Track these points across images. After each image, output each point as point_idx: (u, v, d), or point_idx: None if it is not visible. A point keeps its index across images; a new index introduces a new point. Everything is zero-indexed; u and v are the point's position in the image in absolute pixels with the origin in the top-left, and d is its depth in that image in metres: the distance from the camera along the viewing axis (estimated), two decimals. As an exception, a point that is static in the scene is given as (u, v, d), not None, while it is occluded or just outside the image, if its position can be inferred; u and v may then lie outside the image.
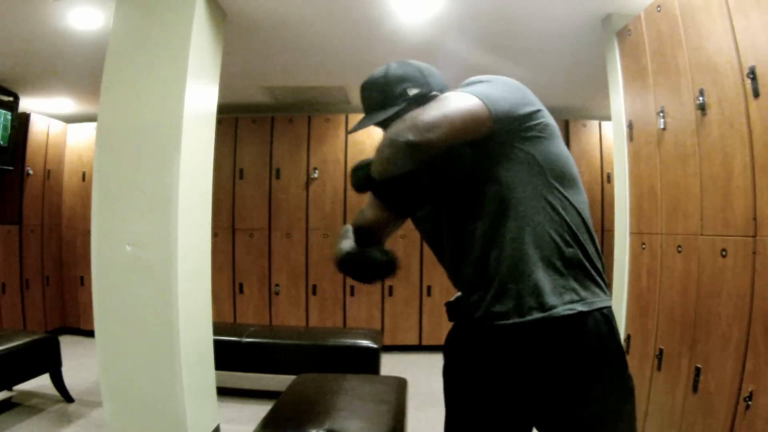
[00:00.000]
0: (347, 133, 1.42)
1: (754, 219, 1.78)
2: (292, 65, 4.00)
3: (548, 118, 1.23)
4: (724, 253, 1.93)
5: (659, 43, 2.40)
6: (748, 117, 1.82)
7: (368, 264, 1.22)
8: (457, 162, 1.23)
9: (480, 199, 1.21)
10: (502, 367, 1.20)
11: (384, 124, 1.26)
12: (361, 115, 1.35)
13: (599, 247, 1.25)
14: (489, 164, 1.19)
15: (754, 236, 1.78)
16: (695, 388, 2.04)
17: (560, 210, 1.18)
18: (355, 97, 4.78)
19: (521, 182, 1.18)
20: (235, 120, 5.00)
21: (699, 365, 2.03)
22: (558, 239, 1.16)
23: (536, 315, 1.14)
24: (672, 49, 2.27)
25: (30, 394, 3.41)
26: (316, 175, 4.93)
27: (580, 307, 1.14)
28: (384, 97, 1.26)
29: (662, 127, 2.36)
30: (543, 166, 1.18)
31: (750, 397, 1.74)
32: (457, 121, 1.11)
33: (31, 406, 3.24)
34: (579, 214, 1.20)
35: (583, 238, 1.19)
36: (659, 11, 2.37)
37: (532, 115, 1.19)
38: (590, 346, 1.15)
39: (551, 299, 1.14)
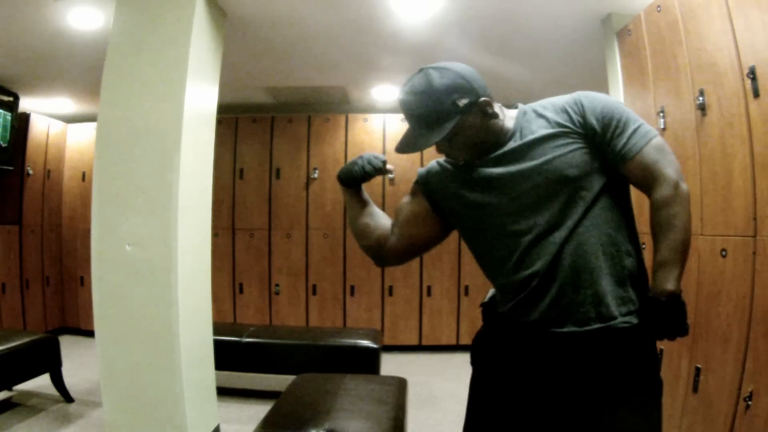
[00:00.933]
0: (396, 151, 1.36)
1: (754, 219, 1.78)
2: (292, 65, 4.00)
3: None
4: (724, 253, 1.93)
5: (659, 43, 2.40)
6: (748, 117, 1.82)
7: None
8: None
9: (553, 202, 1.18)
10: (546, 371, 1.18)
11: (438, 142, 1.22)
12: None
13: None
14: (590, 173, 1.18)
15: (754, 236, 1.78)
16: (695, 388, 2.04)
17: (623, 218, 1.17)
18: (355, 96, 4.79)
19: (602, 188, 1.17)
20: (235, 120, 5.00)
21: (699, 365, 2.03)
22: (621, 249, 1.16)
23: (595, 326, 1.14)
24: (672, 49, 2.27)
25: (30, 394, 3.41)
26: (316, 175, 4.92)
27: (635, 320, 1.14)
28: (436, 112, 1.19)
29: (662, 127, 2.36)
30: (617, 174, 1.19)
31: (750, 397, 1.74)
32: None
33: (31, 406, 3.24)
34: (634, 220, 1.21)
35: (638, 245, 1.20)
36: (659, 11, 2.37)
37: None
38: (637, 358, 1.15)
39: (611, 310, 1.13)
